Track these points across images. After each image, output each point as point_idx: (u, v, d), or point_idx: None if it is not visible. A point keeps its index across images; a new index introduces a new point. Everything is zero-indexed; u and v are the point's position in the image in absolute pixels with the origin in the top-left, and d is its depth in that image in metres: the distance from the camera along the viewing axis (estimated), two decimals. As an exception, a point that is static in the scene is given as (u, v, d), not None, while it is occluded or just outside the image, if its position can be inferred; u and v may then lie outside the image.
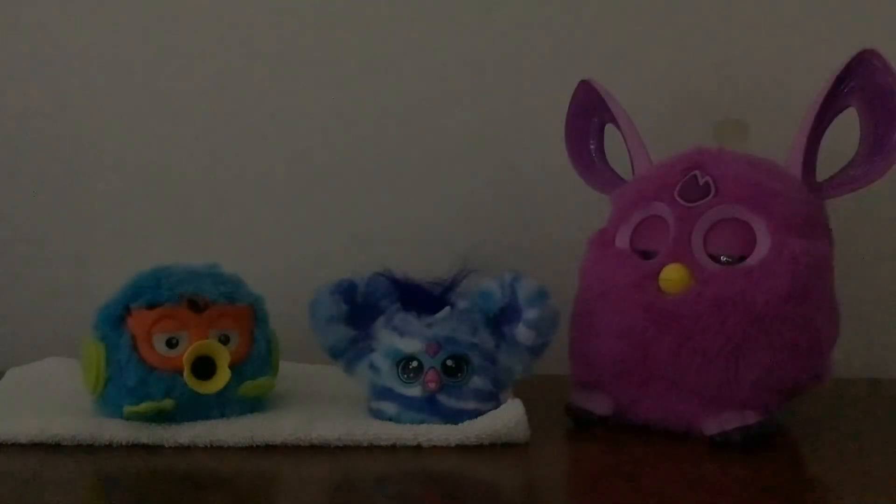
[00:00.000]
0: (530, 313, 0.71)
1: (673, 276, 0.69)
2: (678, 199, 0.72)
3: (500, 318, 0.72)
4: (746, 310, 0.67)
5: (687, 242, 0.70)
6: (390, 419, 0.70)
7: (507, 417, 0.68)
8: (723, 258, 0.69)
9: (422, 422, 0.69)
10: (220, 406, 0.70)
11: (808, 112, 0.71)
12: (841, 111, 0.72)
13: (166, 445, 0.67)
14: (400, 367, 0.71)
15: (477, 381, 0.70)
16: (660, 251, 0.71)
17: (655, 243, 0.72)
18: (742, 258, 0.69)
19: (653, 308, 0.69)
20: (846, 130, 0.72)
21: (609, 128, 0.84)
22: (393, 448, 0.67)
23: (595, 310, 0.73)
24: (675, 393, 0.69)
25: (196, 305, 0.70)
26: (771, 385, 0.67)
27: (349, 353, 0.73)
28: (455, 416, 0.69)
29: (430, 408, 0.69)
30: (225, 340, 0.71)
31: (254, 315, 0.74)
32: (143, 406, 0.67)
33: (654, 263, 0.71)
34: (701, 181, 0.71)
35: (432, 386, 0.69)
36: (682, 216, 0.71)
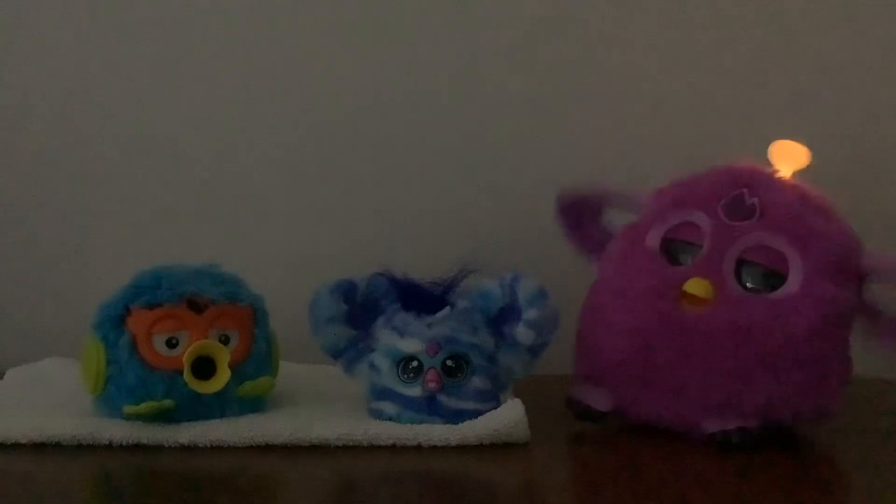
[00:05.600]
0: (530, 313, 0.71)
1: (696, 290, 0.67)
2: (721, 213, 0.70)
3: (500, 318, 0.72)
4: (761, 342, 0.66)
5: (719, 260, 0.68)
6: (390, 419, 0.70)
7: (507, 417, 0.68)
8: (749, 284, 0.68)
9: (422, 422, 0.69)
10: (220, 406, 0.70)
11: None
12: None
13: (166, 445, 0.67)
14: (400, 367, 0.71)
15: (477, 381, 0.70)
16: (689, 261, 0.70)
17: (685, 252, 0.71)
18: (770, 288, 0.68)
19: (667, 317, 0.68)
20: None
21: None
22: (393, 448, 0.67)
23: (609, 304, 0.72)
24: (677, 399, 0.69)
25: (196, 305, 0.70)
26: (777, 412, 0.67)
27: (349, 353, 0.73)
28: (455, 416, 0.69)
29: (430, 408, 0.69)
30: (225, 340, 0.71)
31: (254, 315, 0.73)
32: (143, 406, 0.67)
33: (680, 273, 0.69)
34: (748, 202, 0.69)
35: (432, 386, 0.69)
36: (720, 232, 0.69)
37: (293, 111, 1.00)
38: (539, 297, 0.71)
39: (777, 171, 0.73)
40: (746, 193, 0.70)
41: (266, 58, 1.00)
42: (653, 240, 0.72)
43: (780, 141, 0.74)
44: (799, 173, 0.73)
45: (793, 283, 0.67)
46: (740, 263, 0.68)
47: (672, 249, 0.71)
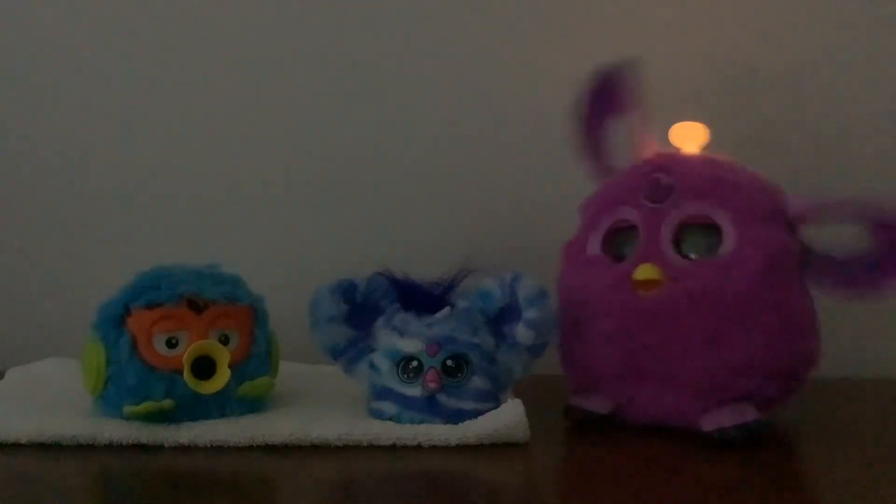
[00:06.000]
0: (530, 313, 0.71)
1: (645, 274, 0.70)
2: (644, 201, 0.73)
3: (500, 318, 0.72)
4: (719, 300, 0.68)
5: (656, 242, 0.71)
6: (390, 419, 0.70)
7: (507, 417, 0.68)
8: (692, 255, 0.70)
9: (422, 422, 0.69)
10: (220, 406, 0.70)
11: None
12: None
13: (166, 445, 0.67)
14: (400, 367, 0.71)
15: (477, 381, 0.70)
16: (631, 254, 0.72)
17: (626, 247, 0.73)
18: (712, 252, 0.70)
19: (631, 309, 0.70)
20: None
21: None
22: (393, 448, 0.67)
23: (578, 318, 0.73)
24: (669, 388, 0.70)
25: (196, 305, 0.70)
26: (758, 369, 0.68)
27: (349, 353, 0.73)
28: (455, 416, 0.69)
29: (430, 408, 0.69)
30: (225, 340, 0.71)
31: (254, 315, 0.74)
32: (143, 406, 0.67)
33: (627, 266, 0.71)
34: (664, 182, 0.72)
35: (432, 386, 0.69)
36: (648, 218, 0.72)
37: (293, 111, 1.00)
38: (539, 297, 0.71)
39: (682, 149, 0.76)
40: (661, 176, 0.73)
41: (264, 58, 1.00)
42: (593, 248, 0.75)
43: (679, 123, 0.77)
44: (702, 149, 0.76)
45: (729, 238, 0.70)
46: (678, 240, 0.71)
47: (614, 250, 0.74)
